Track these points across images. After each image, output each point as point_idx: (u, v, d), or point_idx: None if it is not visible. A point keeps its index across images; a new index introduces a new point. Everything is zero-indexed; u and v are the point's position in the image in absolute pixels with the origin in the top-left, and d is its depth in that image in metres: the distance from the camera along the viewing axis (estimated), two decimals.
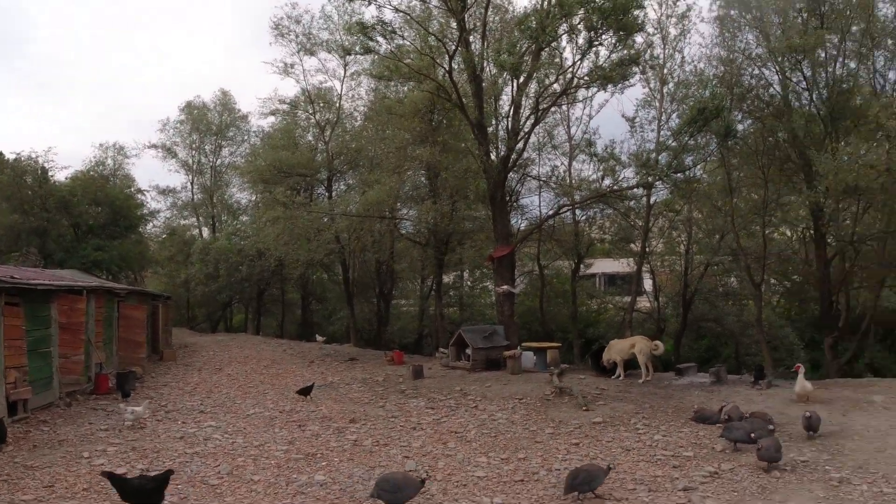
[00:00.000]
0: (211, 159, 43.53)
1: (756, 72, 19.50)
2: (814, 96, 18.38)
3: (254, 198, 38.59)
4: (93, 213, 30.09)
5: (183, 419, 12.38)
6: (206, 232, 43.52)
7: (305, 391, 14.17)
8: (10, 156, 31.29)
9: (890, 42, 18.20)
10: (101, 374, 15.71)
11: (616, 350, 15.71)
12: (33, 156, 30.05)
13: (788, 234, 24.07)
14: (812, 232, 19.77)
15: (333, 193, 30.44)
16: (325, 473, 8.69)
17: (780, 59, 18.28)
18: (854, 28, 18.15)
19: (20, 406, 11.90)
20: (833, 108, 17.93)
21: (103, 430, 11.31)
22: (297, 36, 26.85)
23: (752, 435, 9.11)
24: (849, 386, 14.28)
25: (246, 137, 43.17)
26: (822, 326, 20.16)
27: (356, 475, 8.59)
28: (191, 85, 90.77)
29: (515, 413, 12.19)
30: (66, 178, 31.80)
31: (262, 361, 22.04)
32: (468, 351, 17.71)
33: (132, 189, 36.10)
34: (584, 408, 12.17)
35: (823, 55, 18.24)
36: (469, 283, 32.72)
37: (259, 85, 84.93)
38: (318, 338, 29.05)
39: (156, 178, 61.33)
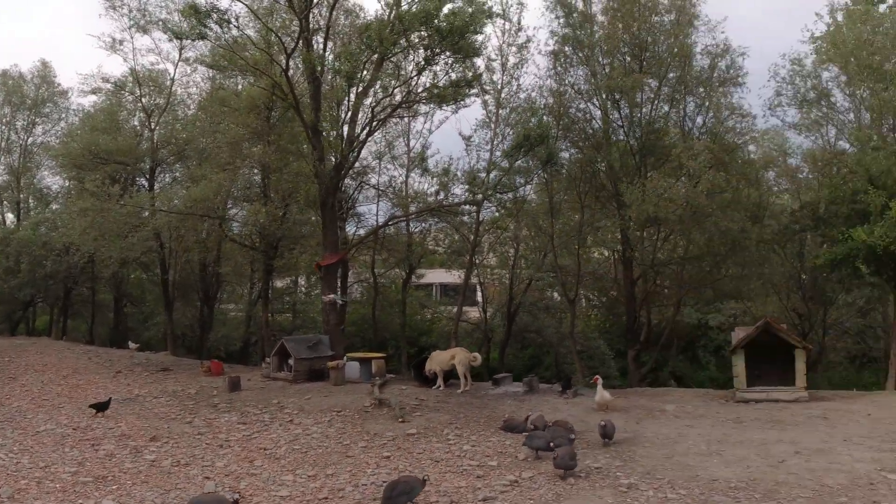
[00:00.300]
0: (22, 137, 38.60)
1: (583, 105, 21.12)
2: (629, 133, 20.15)
3: (66, 184, 34.81)
4: None
5: None
6: (10, 218, 38.51)
7: (101, 406, 12.85)
8: None
9: (701, 90, 20.40)
10: None
11: (437, 361, 16.08)
12: None
13: (606, 254, 26.19)
14: (621, 254, 21.65)
15: (157, 186, 28.20)
16: (115, 498, 8.01)
17: (603, 96, 19.88)
18: (671, 75, 20.14)
19: None
20: (644, 145, 19.81)
21: None
22: (130, 10, 24.74)
23: (552, 443, 9.65)
24: (646, 395, 15.65)
25: (64, 116, 38.74)
26: (629, 339, 22.10)
27: (148, 499, 7.95)
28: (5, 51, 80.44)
29: (331, 426, 11.97)
30: None
31: (63, 370, 19.83)
32: (291, 361, 17.15)
33: None
34: (400, 419, 12.25)
35: (640, 97, 20.06)
36: (304, 289, 31.87)
37: (85, 59, 77.13)
38: (132, 345, 26.63)
39: None
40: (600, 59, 20.20)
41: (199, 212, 20.90)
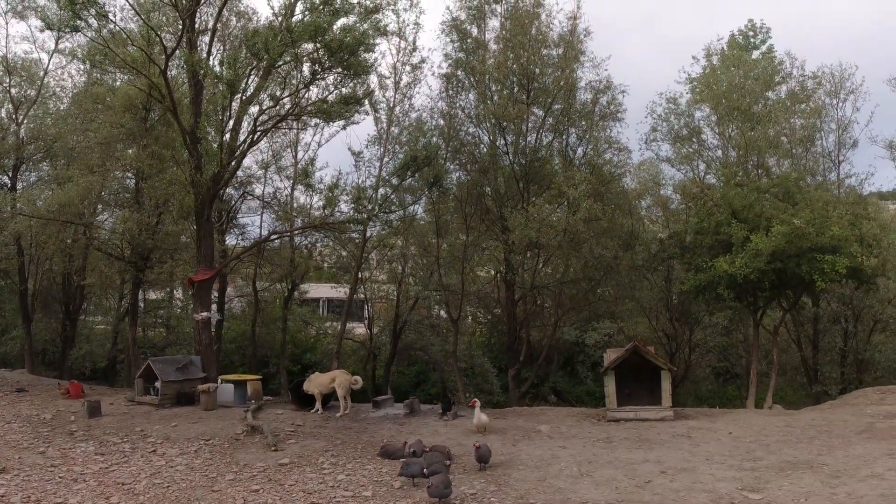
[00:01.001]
0: None
1: (472, 130, 21.52)
2: (514, 160, 20.75)
3: None
4: None
5: None
6: None
7: None
8: None
9: (584, 122, 21.33)
10: None
11: (316, 384, 15.62)
12: None
13: (493, 273, 26.76)
14: (504, 275, 22.16)
15: (19, 185, 25.72)
16: None
17: (491, 122, 20.35)
18: (556, 106, 20.90)
19: None
20: (528, 172, 20.44)
21: None
22: None
23: (426, 470, 9.61)
24: (523, 415, 15.96)
25: None
26: (510, 357, 22.62)
27: None
28: None
29: (198, 457, 11.29)
30: None
31: None
32: (157, 384, 16.06)
33: None
34: (273, 448, 11.77)
35: (526, 126, 20.70)
36: (180, 302, 30.12)
37: None
38: None
39: None
40: (490, 85, 20.67)
41: (64, 216, 19.30)
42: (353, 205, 17.67)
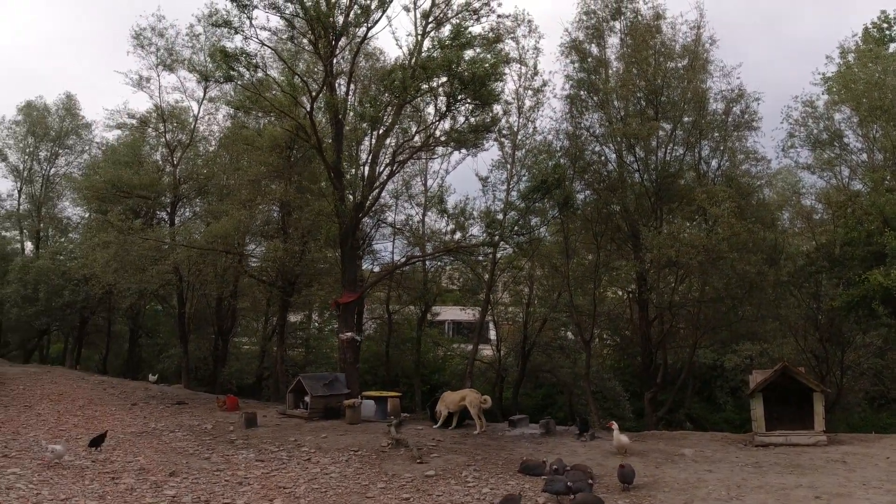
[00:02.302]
0: (44, 167, 39.39)
1: (597, 149, 21.41)
2: (644, 176, 20.37)
3: (87, 216, 35.35)
4: None
5: None
6: (28, 247, 39.02)
7: (97, 441, 12.73)
8: None
9: (716, 134, 20.63)
10: None
11: (447, 402, 16.14)
12: None
13: (620, 293, 26.20)
14: (637, 295, 21.65)
15: (177, 220, 28.69)
16: None
17: (618, 139, 20.16)
18: (686, 119, 20.40)
19: None
20: (660, 188, 19.98)
21: None
22: (158, 49, 25.49)
23: (571, 487, 9.62)
24: (663, 438, 15.53)
25: (87, 148, 39.53)
26: (645, 380, 21.95)
27: None
28: (31, 83, 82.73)
29: (349, 466, 11.96)
30: None
31: (78, 401, 19.94)
32: (307, 398, 17.20)
33: None
34: (418, 460, 12.23)
35: (655, 141, 20.32)
36: (317, 324, 31.97)
37: (110, 93, 79.29)
38: (151, 377, 26.81)
39: None
40: (615, 103, 20.53)
41: (218, 247, 21.23)
42: (485, 229, 18.14)
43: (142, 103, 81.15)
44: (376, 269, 26.72)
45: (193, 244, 21.83)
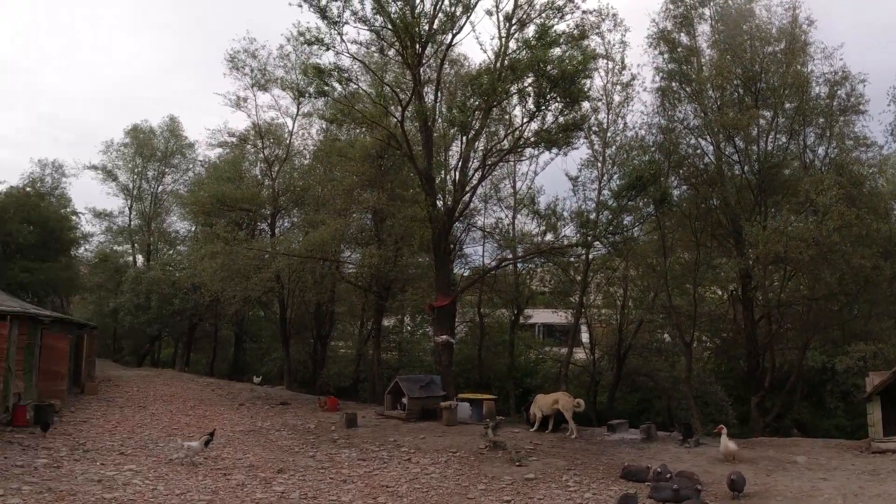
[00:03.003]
0: (152, 185, 42.40)
1: (693, 141, 20.58)
2: (745, 168, 19.43)
3: (193, 229, 37.66)
4: (24, 231, 28.76)
5: (102, 460, 11.79)
6: (140, 260, 42.02)
7: (205, 441, 13.45)
8: None
9: (821, 120, 19.43)
10: (18, 406, 14.85)
11: (540, 404, 16.05)
12: None
13: (719, 293, 25.08)
14: (740, 294, 20.65)
15: (277, 230, 30.04)
16: None
17: (715, 131, 19.34)
18: (787, 105, 19.32)
19: None
20: (763, 180, 18.99)
21: (18, 465, 10.69)
22: (251, 70, 26.79)
23: (678, 494, 9.31)
24: (773, 445, 14.78)
25: (191, 166, 42.24)
26: (749, 383, 20.88)
27: None
28: (139, 107, 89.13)
29: (448, 467, 12.08)
30: None
31: (189, 401, 21.20)
32: (404, 400, 17.53)
33: (67, 210, 34.76)
34: (517, 463, 12.19)
35: (756, 131, 19.35)
36: (409, 328, 32.51)
37: (210, 112, 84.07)
38: (255, 379, 28.21)
39: (93, 200, 59.48)
40: (710, 92, 19.71)
41: (316, 255, 22.03)
42: (577, 229, 17.89)
43: (240, 122, 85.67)
44: (467, 272, 26.85)
45: (293, 253, 22.80)
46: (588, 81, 16.99)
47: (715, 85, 19.42)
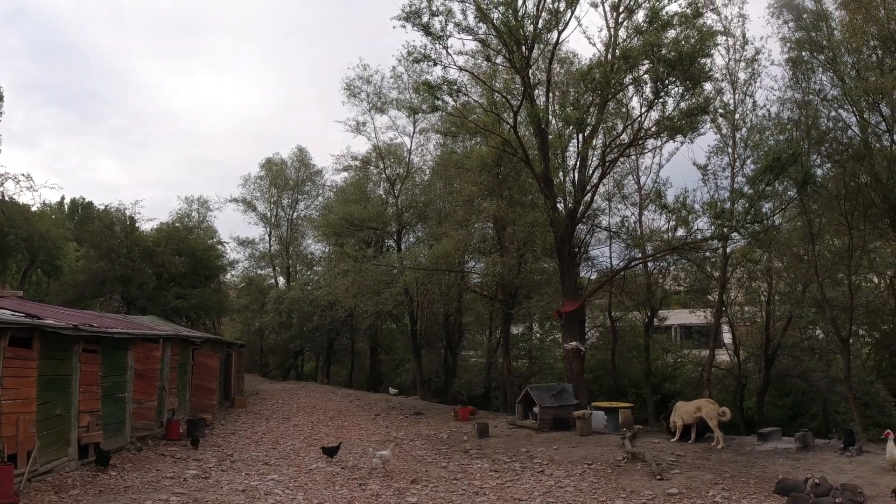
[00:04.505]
0: (287, 212, 45.48)
1: (833, 114, 18.64)
2: (894, 137, 17.31)
3: (326, 250, 39.73)
4: (175, 262, 31.69)
5: (247, 470, 12.51)
6: (281, 282, 44.97)
7: (331, 451, 13.85)
8: (99, 207, 33.68)
9: None
10: (172, 421, 16.23)
11: (681, 413, 14.93)
12: (122, 207, 32.27)
13: (876, 281, 22.51)
14: None
15: (403, 246, 30.91)
16: None
17: (856, 99, 17.41)
18: None
19: (91, 449, 12.32)
20: None
21: (169, 477, 11.56)
22: (368, 95, 27.82)
23: None
24: None
25: (320, 192, 44.91)
26: None
27: None
28: (270, 141, 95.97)
29: (584, 480, 11.62)
30: (151, 229, 33.86)
31: (329, 412, 22.20)
32: (536, 409, 17.20)
33: (214, 240, 37.93)
34: (658, 476, 11.48)
35: None
36: (538, 335, 32.11)
37: (333, 139, 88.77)
38: (392, 390, 29.15)
39: (236, 229, 64.59)
40: (845, 58, 17.77)
41: (441, 267, 22.34)
42: (711, 221, 16.69)
43: (361, 146, 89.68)
44: (594, 276, 26.04)
45: (419, 266, 23.31)
46: (708, 61, 15.87)
47: (850, 49, 17.47)
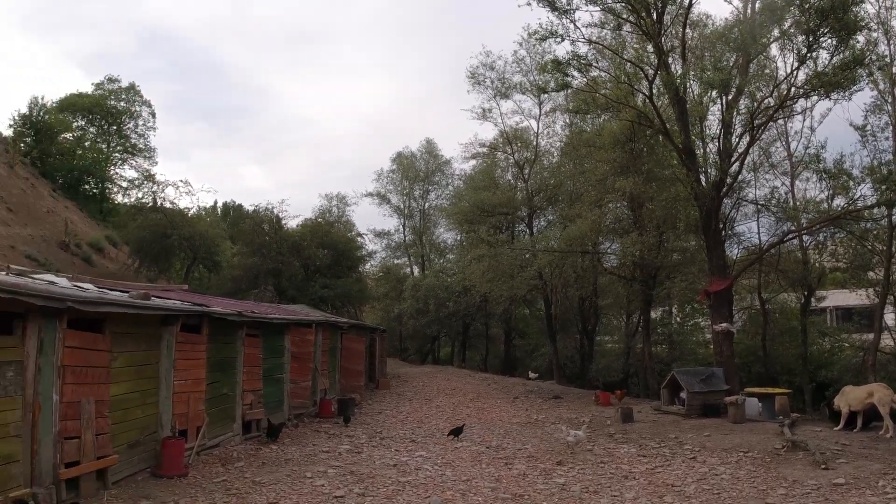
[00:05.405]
0: (419, 203, 46.98)
1: None
2: None
3: (459, 237, 40.49)
4: (319, 255, 33.67)
5: (396, 447, 13.04)
6: (416, 270, 46.49)
7: (457, 432, 14.06)
8: (249, 208, 36.61)
9: None
10: (325, 400, 17.39)
11: (849, 398, 13.60)
12: (269, 207, 34.80)
13: None
14: None
15: (534, 230, 30.76)
16: None
17: None
18: None
19: (254, 425, 13.48)
20: None
21: (325, 451, 12.29)
22: (492, 81, 27.93)
23: None
24: None
25: (450, 181, 45.93)
26: None
27: None
28: (398, 137, 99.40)
29: (740, 468, 10.99)
30: (296, 226, 36.18)
31: (468, 394, 22.65)
32: (682, 395, 16.48)
33: (352, 233, 39.90)
34: (822, 465, 10.62)
35: None
36: (678, 319, 30.73)
37: (460, 129, 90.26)
38: (532, 374, 29.30)
39: (372, 222, 67.77)
40: None
41: (575, 249, 21.95)
42: (876, 185, 15.05)
43: (488, 133, 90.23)
44: (740, 254, 24.38)
45: (552, 249, 23.06)
46: (860, 9, 14.29)
47: None
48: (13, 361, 7.07)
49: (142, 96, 44.30)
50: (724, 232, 21.95)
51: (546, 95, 28.26)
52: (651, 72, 17.92)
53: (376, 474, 10.49)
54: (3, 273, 8.98)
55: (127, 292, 10.48)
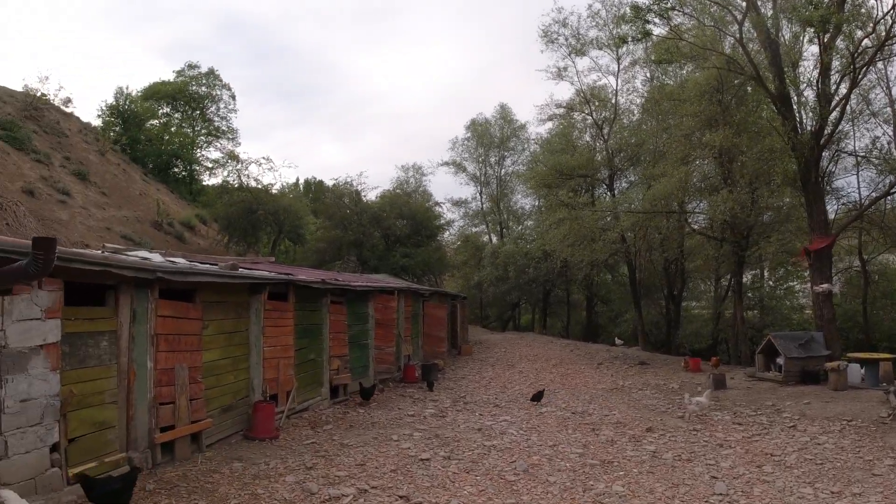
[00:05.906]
0: (496, 170, 46.51)
1: None
2: None
3: (536, 202, 39.86)
4: (399, 225, 34.06)
5: (480, 411, 13.05)
6: (494, 238, 46.27)
7: (538, 397, 13.95)
8: (330, 183, 37.39)
9: None
10: (409, 365, 17.68)
11: None
12: (349, 181, 35.47)
13: None
14: None
15: (616, 192, 29.80)
16: (624, 485, 8.19)
17: None
18: None
19: (341, 390, 13.84)
20: None
21: (410, 415, 12.45)
22: (566, 39, 26.94)
23: None
24: None
25: (525, 146, 45.12)
26: None
27: (657, 491, 7.96)
28: (472, 104, 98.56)
29: (844, 437, 10.30)
30: (375, 198, 36.75)
31: (551, 360, 22.44)
32: (779, 360, 15.59)
33: (430, 203, 40.07)
34: None
35: None
36: (770, 282, 29.11)
37: (534, 93, 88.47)
38: (618, 340, 28.73)
39: (449, 191, 67.88)
40: None
41: (660, 209, 21.04)
42: None
43: (564, 93, 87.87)
44: (838, 211, 22.63)
45: (635, 210, 22.22)
46: None
47: None
48: (106, 332, 7.40)
49: (221, 80, 45.61)
50: (823, 186, 20.46)
51: (625, 49, 27.08)
52: (739, 15, 16.71)
53: (461, 438, 10.52)
54: (99, 251, 9.43)
55: (216, 265, 10.83)
